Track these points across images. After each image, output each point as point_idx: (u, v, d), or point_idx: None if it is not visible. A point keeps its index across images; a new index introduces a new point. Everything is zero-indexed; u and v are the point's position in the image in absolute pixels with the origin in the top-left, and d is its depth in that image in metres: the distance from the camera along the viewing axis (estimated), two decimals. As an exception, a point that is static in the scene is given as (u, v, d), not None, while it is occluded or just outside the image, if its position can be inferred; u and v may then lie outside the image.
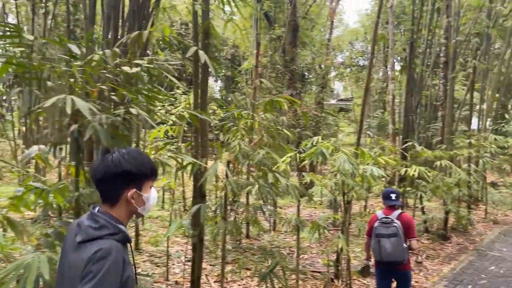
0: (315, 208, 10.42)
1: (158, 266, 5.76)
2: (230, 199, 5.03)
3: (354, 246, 7.89)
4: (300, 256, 7.20)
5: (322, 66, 18.02)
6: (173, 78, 2.71)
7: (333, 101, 34.91)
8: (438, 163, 6.98)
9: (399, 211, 4.12)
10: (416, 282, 6.08)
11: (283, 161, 4.36)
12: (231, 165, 4.76)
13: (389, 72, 15.01)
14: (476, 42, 11.64)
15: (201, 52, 2.82)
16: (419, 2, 14.48)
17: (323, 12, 22.96)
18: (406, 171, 5.99)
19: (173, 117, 7.89)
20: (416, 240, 4.09)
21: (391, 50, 14.19)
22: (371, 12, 25.17)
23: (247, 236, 7.43)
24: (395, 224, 3.92)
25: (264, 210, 4.34)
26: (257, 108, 5.72)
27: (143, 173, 1.54)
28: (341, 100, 37.54)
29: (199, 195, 3.39)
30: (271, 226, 8.22)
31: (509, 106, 26.69)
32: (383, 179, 7.73)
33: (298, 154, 5.24)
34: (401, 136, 12.07)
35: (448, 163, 6.98)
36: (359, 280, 6.06)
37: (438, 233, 8.48)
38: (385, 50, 22.39)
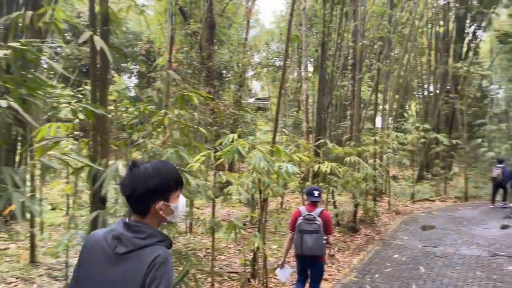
0: (233, 207, 10.34)
1: (57, 280, 5.15)
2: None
3: (271, 243, 7.95)
4: (217, 257, 7.04)
5: (240, 65, 18.07)
6: (54, 64, 2.33)
7: (251, 100, 35.33)
8: (348, 159, 7.32)
9: (321, 208, 4.48)
10: (329, 275, 6.27)
11: (196, 160, 4.14)
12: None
13: (302, 73, 15.50)
14: (379, 45, 12.54)
15: (96, 38, 2.49)
16: (329, 7, 15.22)
17: (240, 11, 23.05)
18: (319, 167, 6.15)
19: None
20: (332, 235, 4.56)
21: (305, 52, 14.68)
22: (285, 14, 25.88)
23: (161, 240, 7.04)
24: (317, 222, 4.27)
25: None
26: (173, 105, 5.41)
27: (168, 186, 1.62)
28: (259, 99, 38.17)
29: (99, 200, 3.03)
30: (187, 227, 7.92)
31: (407, 106, 29.43)
32: (298, 175, 7.89)
33: (213, 153, 5.06)
34: (314, 134, 12.57)
35: (357, 159, 7.35)
36: (275, 278, 6.06)
37: (348, 225, 8.93)
38: (299, 51, 23.20)
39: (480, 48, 22.08)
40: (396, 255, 7.22)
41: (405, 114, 22.20)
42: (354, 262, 6.96)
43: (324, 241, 4.31)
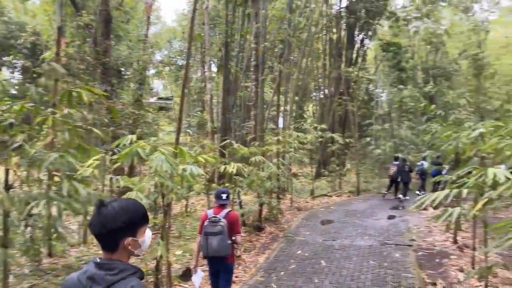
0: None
1: None
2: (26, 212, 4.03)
3: (175, 249, 7.62)
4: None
5: (140, 62, 17.19)
6: None
7: (153, 100, 34.17)
8: (253, 159, 7.35)
9: (227, 209, 4.54)
10: (236, 277, 6.20)
11: (89, 165, 3.70)
12: (19, 173, 3.79)
13: (206, 73, 15.34)
14: (280, 48, 12.95)
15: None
16: (232, 8, 15.30)
17: (139, 6, 21.97)
18: (225, 168, 6.05)
19: None
20: (240, 235, 4.61)
21: (208, 51, 14.53)
22: (187, 12, 25.36)
23: (50, 254, 6.26)
24: (221, 223, 4.32)
25: (57, 225, 3.57)
26: (60, 103, 4.80)
27: (136, 223, 1.71)
28: (161, 98, 37.07)
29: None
30: (80, 238, 7.19)
31: (305, 107, 31.12)
32: (203, 177, 7.70)
33: (109, 156, 4.62)
34: (219, 134, 12.49)
35: (262, 158, 7.43)
36: (180, 286, 5.80)
37: (253, 225, 9.01)
38: (202, 51, 22.99)
39: (367, 55, 24.34)
40: (299, 251, 7.46)
41: (304, 115, 23.46)
42: (260, 261, 7.01)
43: (230, 242, 4.37)
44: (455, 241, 7.80)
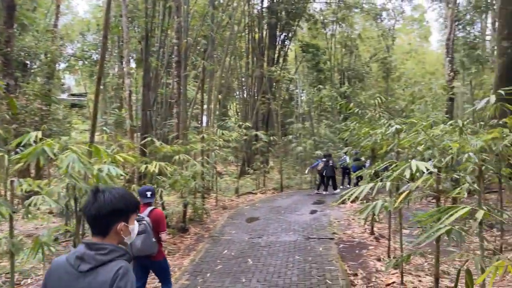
0: (42, 219, 8.79)
1: None
2: None
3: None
4: (22, 283, 5.82)
5: (48, 54, 15.68)
6: None
7: (64, 96, 31.85)
8: (176, 157, 7.03)
9: (151, 207, 4.48)
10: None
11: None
12: None
13: (124, 68, 14.49)
14: (204, 44, 12.69)
15: None
16: (152, 1, 14.65)
17: (47, -7, 20.13)
18: (146, 168, 5.67)
19: None
20: (166, 232, 4.60)
21: (126, 45, 13.71)
22: (102, 3, 23.88)
23: None
24: (144, 222, 4.24)
25: None
26: None
27: (130, 209, 1.83)
28: (74, 95, 34.66)
29: None
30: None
31: (228, 106, 31.13)
32: (122, 177, 7.18)
33: (11, 156, 4.03)
34: (139, 132, 11.85)
35: (186, 157, 7.13)
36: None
37: (178, 226, 8.66)
38: (120, 45, 21.77)
39: (288, 56, 25.05)
40: (226, 251, 7.31)
41: (228, 114, 23.44)
42: (185, 264, 6.73)
43: (155, 240, 4.32)
44: (372, 232, 8.26)
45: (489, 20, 33.72)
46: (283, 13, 20.87)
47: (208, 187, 12.95)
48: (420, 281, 5.70)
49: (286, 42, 22.80)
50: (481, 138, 4.44)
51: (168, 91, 17.32)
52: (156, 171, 5.56)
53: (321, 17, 23.83)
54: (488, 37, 33.26)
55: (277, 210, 11.02)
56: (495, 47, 33.09)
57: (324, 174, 13.82)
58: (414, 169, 2.82)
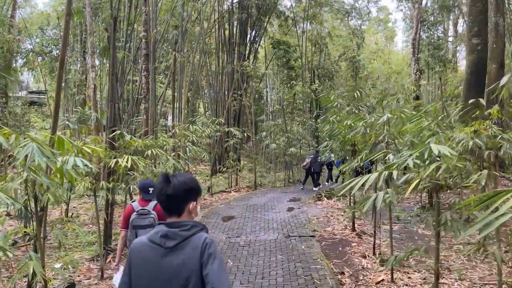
0: (-3, 222, 7.95)
1: None
2: None
3: (53, 262, 6.38)
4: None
5: (5, 47, 14.59)
6: None
7: (22, 93, 30.29)
8: (149, 152, 6.49)
9: (155, 201, 4.22)
10: None
11: None
12: None
13: (88, 61, 13.67)
14: (175, 34, 12.10)
15: None
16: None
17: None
18: (116, 162, 5.12)
19: None
20: None
21: (90, 35, 12.90)
22: (64, -5, 22.68)
23: None
24: (152, 215, 4.09)
25: None
26: None
27: (198, 189, 2.01)
28: (33, 92, 33.00)
29: None
30: None
31: (197, 104, 30.44)
32: (87, 175, 6.53)
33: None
34: (107, 126, 11.08)
35: (159, 151, 6.61)
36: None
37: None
38: (83, 37, 20.71)
39: (259, 52, 24.73)
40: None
41: (198, 112, 22.83)
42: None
43: None
44: (353, 229, 8.04)
45: (451, 22, 34.99)
46: (254, 9, 20.53)
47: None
48: (409, 277, 5.48)
49: (257, 39, 22.45)
50: (463, 131, 4.29)
51: (135, 88, 16.57)
52: (128, 165, 5.03)
53: (292, 14, 23.67)
54: (450, 38, 34.49)
55: (254, 208, 10.63)
56: (457, 48, 34.25)
57: (312, 170, 14.22)
58: (436, 152, 2.52)
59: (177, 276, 1.77)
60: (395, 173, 2.99)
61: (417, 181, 2.80)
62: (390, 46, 45.65)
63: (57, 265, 6.33)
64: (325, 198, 11.71)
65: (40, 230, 4.29)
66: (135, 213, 4.10)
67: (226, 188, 14.35)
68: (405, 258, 3.82)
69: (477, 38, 12.78)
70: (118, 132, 6.19)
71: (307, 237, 7.66)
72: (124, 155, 5.19)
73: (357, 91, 8.49)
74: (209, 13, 18.24)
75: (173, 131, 9.32)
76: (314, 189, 14.06)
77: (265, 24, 21.86)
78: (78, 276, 5.81)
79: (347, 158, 8.62)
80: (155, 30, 10.59)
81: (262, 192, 13.89)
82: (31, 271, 3.73)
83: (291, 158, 16.05)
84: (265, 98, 31.78)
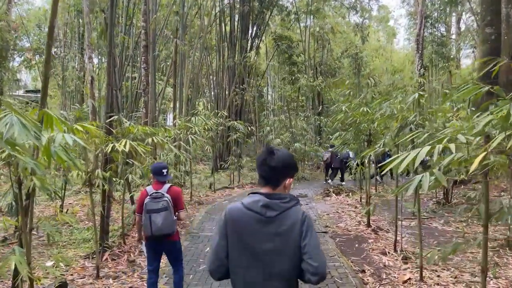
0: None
1: None
2: None
3: (45, 259, 5.84)
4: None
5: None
6: None
7: (20, 92, 29.97)
8: (149, 139, 5.94)
9: (169, 184, 4.15)
10: (130, 287, 4.82)
11: None
12: None
13: (86, 51, 13.10)
14: (176, 20, 11.54)
15: None
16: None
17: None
18: (113, 147, 4.59)
19: None
20: (184, 210, 4.27)
21: (87, 17, 12.37)
22: (62, -13, 22.11)
23: None
24: (165, 198, 3.95)
25: None
26: None
27: (296, 167, 2.05)
28: (31, 91, 32.57)
29: None
30: None
31: (197, 102, 29.85)
32: (84, 164, 5.95)
33: None
34: (105, 112, 10.58)
35: (161, 139, 6.06)
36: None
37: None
38: (81, 31, 20.18)
39: (260, 48, 24.17)
40: (208, 248, 6.30)
41: (198, 107, 22.29)
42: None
43: (175, 218, 4.06)
44: (369, 225, 7.51)
45: (454, 19, 34.56)
46: (256, 1, 20.00)
47: (180, 183, 11.83)
48: (438, 276, 4.95)
49: (258, 34, 21.90)
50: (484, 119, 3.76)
51: (134, 84, 16.06)
52: (126, 149, 4.49)
53: (294, 8, 23.15)
54: (453, 36, 34.06)
55: (259, 204, 10.09)
56: (460, 45, 33.83)
57: (332, 166, 14.24)
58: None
59: (277, 244, 1.83)
60: (452, 146, 2.45)
61: (483, 154, 2.26)
62: (391, 46, 45.24)
63: (49, 263, 5.80)
64: (333, 194, 11.18)
65: (26, 221, 3.75)
66: (148, 196, 3.96)
67: (229, 184, 13.80)
68: (450, 254, 3.29)
69: (491, 28, 12.24)
70: (116, 117, 5.65)
71: (319, 233, 7.10)
72: (122, 139, 4.64)
73: (371, 78, 8.00)
74: (210, 7, 17.70)
75: (174, 122, 8.78)
76: (329, 182, 14.20)
77: (267, 18, 21.33)
78: (72, 274, 5.26)
79: (360, 151, 8.08)
80: (154, 16, 10.04)
81: (267, 189, 13.33)
82: (13, 267, 3.20)
83: (296, 153, 15.50)
84: (266, 96, 31.26)
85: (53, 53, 28.00)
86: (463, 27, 32.98)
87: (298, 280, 1.90)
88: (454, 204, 9.66)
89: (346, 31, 28.95)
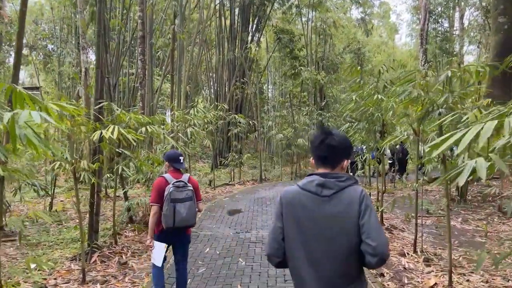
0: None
1: None
2: None
3: (28, 260, 5.27)
4: None
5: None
6: None
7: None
8: (143, 129, 5.36)
9: (187, 174, 3.92)
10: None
11: None
12: None
13: (80, 40, 12.51)
14: (174, 5, 10.93)
15: None
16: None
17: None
18: (101, 135, 4.02)
19: None
20: (202, 201, 4.06)
21: (79, 14, 11.77)
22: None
23: None
24: (190, 188, 3.73)
25: None
26: None
27: (352, 150, 2.10)
28: (27, 88, 31.73)
29: None
30: None
31: (196, 100, 29.22)
32: (64, 155, 5.35)
33: None
34: (94, 98, 10.01)
35: (156, 129, 5.48)
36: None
37: (145, 221, 6.98)
38: (77, 31, 19.55)
39: (261, 42, 23.56)
40: (208, 249, 5.73)
41: (197, 102, 21.66)
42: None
43: (196, 209, 3.82)
44: (382, 223, 6.94)
45: (458, 15, 34.00)
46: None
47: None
48: (468, 281, 4.39)
49: (259, 27, 21.30)
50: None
51: (132, 80, 15.51)
52: (114, 136, 3.91)
53: (296, 1, 22.55)
54: (457, 32, 33.51)
55: (262, 201, 9.52)
56: (465, 38, 33.27)
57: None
58: None
59: (334, 223, 1.76)
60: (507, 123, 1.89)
61: None
62: (393, 42, 44.70)
63: (32, 265, 5.23)
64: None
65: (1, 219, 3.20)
66: (171, 185, 3.62)
67: (229, 181, 13.22)
68: (504, 259, 2.73)
69: (503, 17, 11.70)
70: (105, 103, 5.07)
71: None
72: (110, 125, 4.07)
73: (383, 65, 7.45)
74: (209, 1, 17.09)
75: (172, 113, 8.21)
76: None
77: (268, 11, 20.72)
78: (55, 279, 4.70)
79: (371, 144, 7.51)
80: (151, 1, 9.42)
81: (269, 185, 12.76)
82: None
83: (299, 149, 14.94)
84: (266, 93, 30.68)
85: (49, 49, 27.52)
86: (466, 22, 32.47)
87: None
88: (470, 201, 9.13)
89: (348, 26, 28.37)
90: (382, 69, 7.14)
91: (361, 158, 12.28)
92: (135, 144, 4.44)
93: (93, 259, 5.23)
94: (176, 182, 3.66)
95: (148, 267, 5.24)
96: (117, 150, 4.87)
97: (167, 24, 14.69)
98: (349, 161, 1.96)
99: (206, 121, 9.78)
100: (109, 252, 5.48)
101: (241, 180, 13.57)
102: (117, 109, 5.25)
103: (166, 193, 3.61)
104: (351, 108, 6.89)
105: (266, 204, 9.15)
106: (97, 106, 5.02)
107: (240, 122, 12.40)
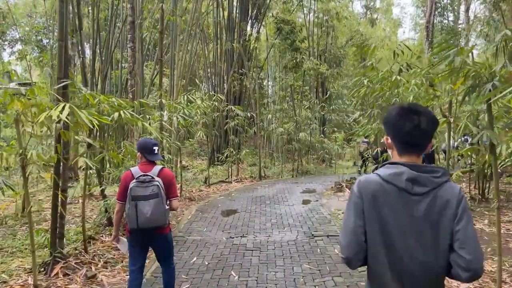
0: None
1: None
2: None
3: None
4: None
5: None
6: None
7: (12, 85, 28.50)
8: (115, 114, 4.43)
9: (160, 166, 3.32)
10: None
11: None
12: None
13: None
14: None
15: None
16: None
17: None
18: (48, 115, 3.11)
19: None
20: (178, 199, 3.38)
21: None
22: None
23: None
24: (156, 183, 3.12)
25: None
26: None
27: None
28: (23, 84, 31.08)
29: None
30: None
31: (191, 96, 28.23)
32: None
33: None
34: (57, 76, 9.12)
35: (132, 114, 4.54)
36: None
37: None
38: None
39: (260, 34, 22.60)
40: (195, 258, 4.82)
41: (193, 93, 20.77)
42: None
43: (167, 207, 3.21)
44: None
45: (463, 7, 33.06)
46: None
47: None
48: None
49: (259, 17, 20.34)
50: None
51: (124, 73, 14.66)
52: (63, 117, 3.01)
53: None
54: (463, 25, 32.60)
55: (261, 201, 8.60)
56: (472, 32, 32.39)
57: (368, 156, 12.80)
58: None
59: (426, 227, 1.47)
60: None
61: None
62: (396, 37, 43.80)
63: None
64: (346, 189, 9.69)
65: None
66: (134, 180, 3.12)
67: (226, 178, 12.30)
68: None
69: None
70: (70, 82, 4.15)
71: (336, 236, 5.64)
72: (61, 103, 3.15)
73: (398, 45, 6.60)
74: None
75: (159, 101, 7.28)
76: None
77: (268, 0, 19.78)
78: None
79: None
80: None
81: (268, 183, 11.83)
82: None
83: (301, 144, 14.02)
84: (266, 88, 29.77)
85: (44, 43, 26.72)
86: (472, 15, 31.58)
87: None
88: (491, 200, 8.23)
89: (351, 19, 27.46)
90: (397, 52, 6.26)
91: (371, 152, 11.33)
92: (97, 130, 3.52)
93: (54, 271, 4.32)
94: (141, 176, 3.10)
95: (122, 281, 4.33)
96: (89, 144, 3.95)
97: (156, 3, 13.84)
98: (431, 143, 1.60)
99: (199, 112, 8.85)
100: (75, 263, 4.57)
101: (239, 177, 12.64)
102: (83, 90, 4.33)
103: (128, 189, 3.10)
104: (363, 93, 5.97)
105: (265, 204, 8.23)
106: (58, 85, 4.10)
107: (237, 115, 11.46)
